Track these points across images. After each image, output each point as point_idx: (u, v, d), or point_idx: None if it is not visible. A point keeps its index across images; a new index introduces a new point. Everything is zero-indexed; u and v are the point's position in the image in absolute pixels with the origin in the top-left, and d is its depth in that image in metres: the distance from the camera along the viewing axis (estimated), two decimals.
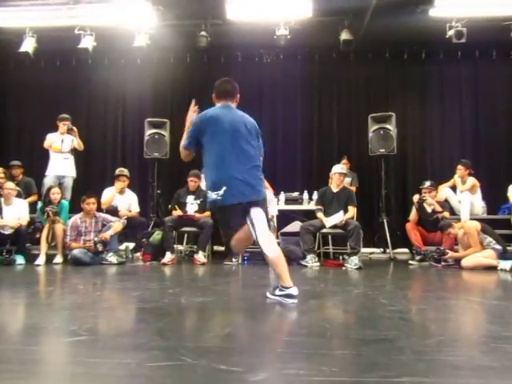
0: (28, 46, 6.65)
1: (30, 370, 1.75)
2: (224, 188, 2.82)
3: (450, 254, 5.22)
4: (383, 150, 6.33)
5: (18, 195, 5.74)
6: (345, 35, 6.55)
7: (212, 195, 2.88)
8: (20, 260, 5.23)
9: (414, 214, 5.89)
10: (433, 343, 2.01)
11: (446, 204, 5.97)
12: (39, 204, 5.83)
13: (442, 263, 5.25)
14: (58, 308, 2.93)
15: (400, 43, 7.21)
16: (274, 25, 6.48)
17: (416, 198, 5.86)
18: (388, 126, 6.36)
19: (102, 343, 2.03)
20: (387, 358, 1.82)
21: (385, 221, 6.20)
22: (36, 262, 5.12)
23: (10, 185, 5.56)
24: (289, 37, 6.48)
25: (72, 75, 7.72)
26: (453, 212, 6.04)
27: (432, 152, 7.40)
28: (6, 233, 5.31)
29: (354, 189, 6.23)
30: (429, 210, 5.76)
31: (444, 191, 6.15)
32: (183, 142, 3.14)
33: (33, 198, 6.09)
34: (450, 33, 6.16)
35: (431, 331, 2.34)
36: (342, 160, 6.56)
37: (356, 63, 7.47)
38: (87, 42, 6.59)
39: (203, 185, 6.25)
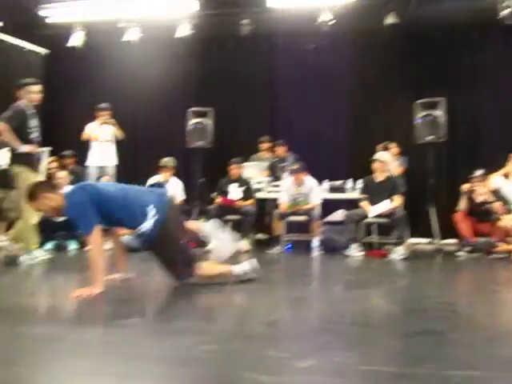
0: (77, 39, 6.90)
1: (85, 349, 1.85)
2: None
3: (501, 246, 5.02)
4: (431, 138, 6.12)
5: (71, 184, 6.00)
6: (391, 19, 6.34)
7: None
8: (73, 245, 5.49)
9: (463, 204, 5.68)
10: (484, 337, 1.96)
11: (497, 194, 5.72)
12: None
13: (493, 255, 5.05)
14: (110, 291, 3.06)
15: (449, 26, 6.90)
16: (316, 10, 6.38)
17: (466, 187, 5.64)
18: (436, 113, 6.13)
19: (154, 326, 2.12)
20: (437, 350, 1.79)
21: (432, 210, 6.02)
22: (87, 248, 5.35)
23: (63, 174, 5.82)
24: (332, 22, 6.37)
25: (117, 67, 7.93)
26: (505, 202, 5.77)
27: (484, 140, 7.06)
28: (60, 219, 5.58)
29: (402, 169, 6.07)
30: (479, 199, 5.55)
31: (495, 180, 5.88)
32: None
33: None
34: (504, 13, 5.83)
35: (482, 324, 2.27)
36: (387, 145, 6.35)
37: (402, 47, 7.23)
38: (133, 34, 6.75)
39: (245, 173, 6.32)
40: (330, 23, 6.27)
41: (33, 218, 4.18)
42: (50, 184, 3.08)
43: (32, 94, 4.26)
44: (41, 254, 4.34)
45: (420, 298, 2.86)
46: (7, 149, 4.83)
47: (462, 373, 1.51)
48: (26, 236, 4.21)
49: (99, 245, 2.76)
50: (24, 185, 4.21)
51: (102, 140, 6.27)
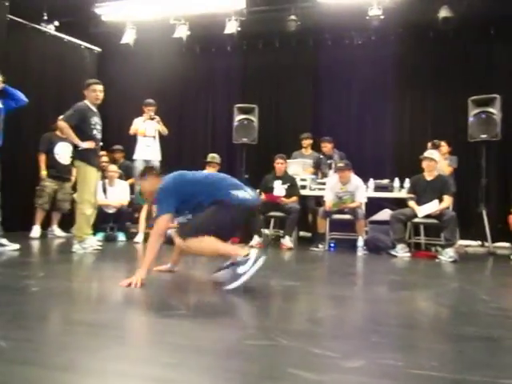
0: (129, 37, 7.11)
1: (135, 337, 1.91)
2: None
3: None
4: (485, 136, 5.85)
5: (120, 177, 6.20)
6: (444, 12, 6.11)
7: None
8: (121, 237, 5.68)
9: None
10: None
11: None
12: (137, 186, 6.25)
13: None
14: (158, 284, 3.14)
15: (507, 19, 6.56)
16: (366, 5, 6.25)
17: None
18: (491, 110, 5.85)
19: (201, 319, 2.15)
20: (492, 357, 1.72)
21: (484, 212, 5.76)
22: (135, 240, 5.53)
23: (113, 167, 6.03)
24: (382, 17, 6.21)
25: (166, 64, 8.10)
26: None
27: None
28: (110, 211, 5.80)
29: (451, 169, 5.87)
30: None
31: None
32: None
33: (132, 181, 6.53)
34: None
35: None
36: (436, 143, 6.09)
37: (455, 42, 6.95)
38: (181, 32, 6.87)
39: (290, 169, 6.30)
40: (380, 17, 6.11)
41: (87, 209, 4.37)
42: (155, 170, 3.40)
43: (94, 92, 4.48)
44: (93, 244, 4.53)
45: (471, 302, 2.75)
46: (69, 144, 5.06)
47: None
48: (79, 226, 4.40)
49: (161, 230, 2.91)
50: (81, 178, 4.46)
51: (148, 135, 6.42)
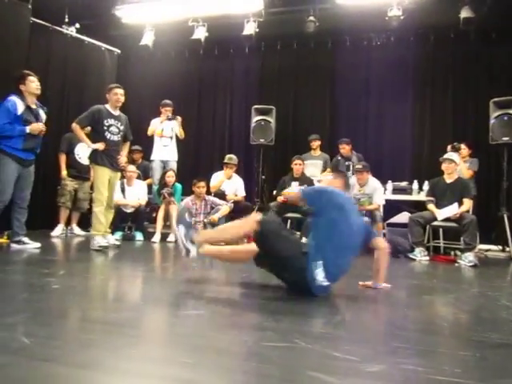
0: (148, 39, 7.17)
1: (154, 337, 1.91)
2: None
3: None
4: (507, 139, 5.73)
5: (138, 177, 6.26)
6: (465, 12, 6.01)
7: None
8: (139, 236, 5.73)
9: None
10: None
11: None
12: (155, 187, 6.30)
13: None
14: (175, 283, 3.16)
15: None
16: (385, 5, 6.18)
17: None
18: None
19: (219, 319, 2.15)
20: None
21: (505, 215, 5.64)
22: (152, 240, 5.57)
23: (132, 168, 6.08)
24: (402, 17, 6.14)
25: (184, 65, 8.16)
26: None
27: None
28: (128, 211, 5.85)
29: (470, 173, 5.78)
30: None
31: None
32: None
33: (150, 181, 6.59)
34: None
35: None
36: (456, 146, 5.98)
37: (477, 44, 6.83)
38: (200, 33, 6.91)
39: (307, 171, 6.27)
40: (400, 18, 6.05)
41: (96, 207, 4.51)
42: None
43: (116, 96, 4.61)
44: (111, 242, 4.71)
45: (493, 308, 2.69)
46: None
47: None
48: (92, 223, 4.56)
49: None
50: (94, 178, 4.68)
51: (165, 135, 6.49)
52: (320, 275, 2.58)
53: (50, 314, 2.12)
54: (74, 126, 4.54)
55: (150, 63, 8.17)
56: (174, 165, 6.55)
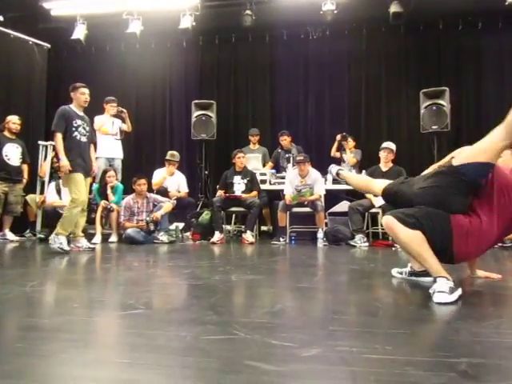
0: (79, 33, 6.89)
1: (92, 339, 1.85)
2: None
3: None
4: (436, 127, 6.08)
5: None
6: (394, 7, 6.29)
7: None
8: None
9: None
10: (489, 325, 1.94)
11: None
12: (94, 185, 6.08)
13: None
14: (115, 284, 3.07)
15: (454, 14, 6.82)
16: (320, 0, 6.32)
17: None
18: (441, 102, 6.09)
19: (158, 317, 2.11)
20: (443, 338, 1.78)
21: None
22: (93, 241, 5.37)
23: None
24: (336, 12, 6.32)
25: (121, 60, 7.91)
26: None
27: (489, 128, 6.96)
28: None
29: (354, 161, 6.24)
30: None
31: None
32: None
33: (90, 180, 6.34)
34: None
35: (487, 313, 2.26)
36: (345, 136, 6.44)
37: (406, 37, 7.17)
38: (135, 27, 6.72)
39: (249, 164, 6.30)
40: (334, 12, 6.21)
41: (79, 208, 4.44)
42: None
43: (83, 95, 4.54)
44: (85, 246, 4.72)
45: (425, 287, 2.84)
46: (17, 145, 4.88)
47: (469, 360, 1.50)
48: (63, 222, 4.43)
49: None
50: (73, 184, 4.50)
51: (111, 133, 6.31)
52: None
53: None
54: (58, 136, 4.37)
55: (84, 58, 7.84)
56: (119, 163, 6.38)
